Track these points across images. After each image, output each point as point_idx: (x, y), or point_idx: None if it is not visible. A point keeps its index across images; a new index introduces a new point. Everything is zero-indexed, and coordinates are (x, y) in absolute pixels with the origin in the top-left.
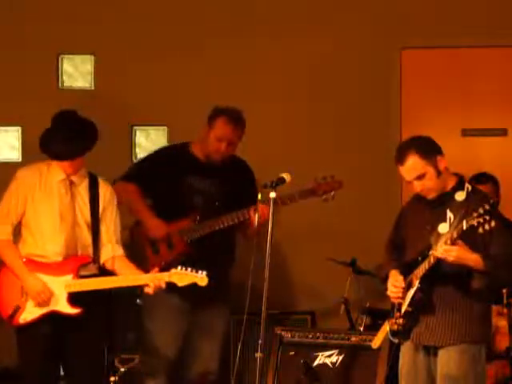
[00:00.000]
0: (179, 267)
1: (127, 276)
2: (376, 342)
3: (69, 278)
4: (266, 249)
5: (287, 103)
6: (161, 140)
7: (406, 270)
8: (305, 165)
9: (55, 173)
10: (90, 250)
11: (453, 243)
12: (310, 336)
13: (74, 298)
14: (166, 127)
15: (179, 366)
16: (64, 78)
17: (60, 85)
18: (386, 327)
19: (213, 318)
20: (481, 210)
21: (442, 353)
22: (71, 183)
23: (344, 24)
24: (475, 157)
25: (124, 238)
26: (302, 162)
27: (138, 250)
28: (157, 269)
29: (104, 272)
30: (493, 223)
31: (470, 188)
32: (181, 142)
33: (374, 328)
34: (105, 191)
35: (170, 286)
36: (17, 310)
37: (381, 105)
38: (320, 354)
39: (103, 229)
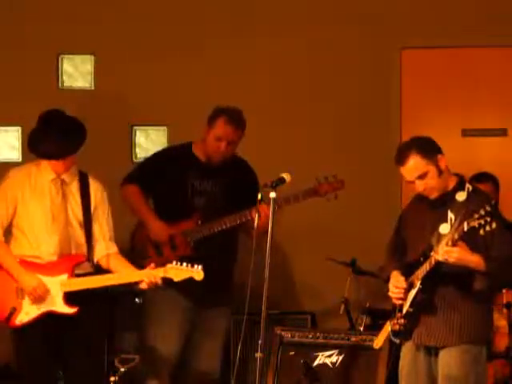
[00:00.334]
0: (174, 262)
1: (122, 273)
2: (378, 342)
3: (64, 277)
4: (266, 249)
5: (287, 103)
6: (161, 140)
7: (408, 271)
8: (305, 165)
9: (45, 172)
10: (84, 249)
11: (454, 244)
12: (310, 336)
13: (70, 298)
14: (165, 127)
15: (181, 366)
16: (64, 77)
17: (60, 85)
18: (387, 327)
19: (215, 317)
20: (482, 212)
21: (442, 353)
22: (62, 182)
23: (344, 24)
24: (475, 157)
25: (125, 239)
26: (302, 162)
27: (140, 252)
28: (153, 265)
29: (99, 270)
30: (494, 225)
31: (470, 188)
32: (181, 142)
33: (373, 328)
34: (96, 189)
35: (171, 286)
36: (13, 311)
37: (381, 105)
38: (320, 353)
39: (96, 227)
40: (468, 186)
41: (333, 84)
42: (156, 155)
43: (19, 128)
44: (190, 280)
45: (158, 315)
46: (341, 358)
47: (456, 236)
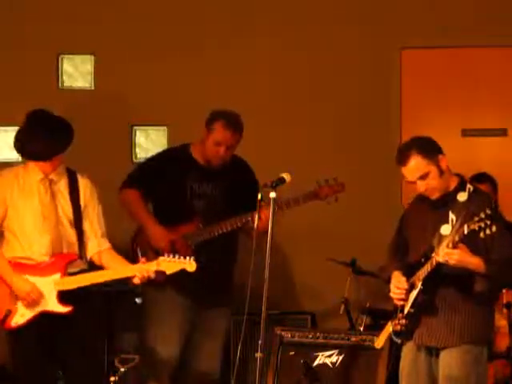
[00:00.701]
0: (166, 255)
1: (115, 269)
2: (379, 342)
3: (57, 276)
4: (266, 249)
5: (287, 103)
6: (161, 140)
7: (409, 271)
8: (305, 165)
9: (33, 173)
10: (76, 247)
11: (454, 247)
12: (310, 336)
13: (64, 297)
14: (165, 127)
15: (181, 366)
16: (64, 77)
17: (60, 85)
18: (389, 327)
19: (215, 318)
20: (482, 215)
21: (443, 354)
22: (50, 182)
23: (344, 24)
24: (475, 157)
25: (126, 242)
26: (302, 162)
27: (142, 255)
28: (144, 259)
29: (93, 267)
30: (494, 228)
31: (471, 188)
32: (181, 142)
33: (373, 328)
34: (84, 186)
35: (171, 286)
36: (8, 314)
37: (381, 105)
38: (320, 353)
39: (87, 224)
40: (469, 186)
41: (333, 84)
42: (154, 158)
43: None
44: (190, 280)
45: (158, 315)
46: (341, 358)
47: (457, 238)
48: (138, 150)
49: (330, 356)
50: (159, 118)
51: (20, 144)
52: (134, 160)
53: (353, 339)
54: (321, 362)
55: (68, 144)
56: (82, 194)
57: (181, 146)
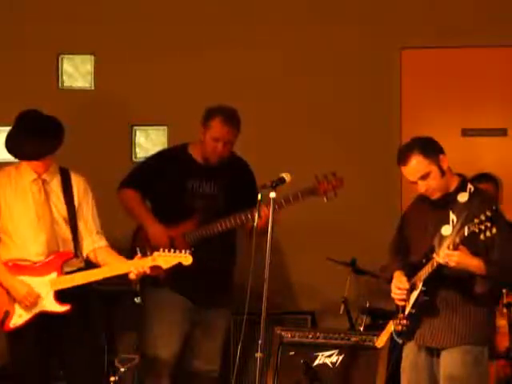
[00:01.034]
0: (161, 249)
1: (111, 266)
2: (380, 342)
3: (53, 276)
4: (266, 249)
5: (287, 103)
6: (161, 140)
7: (410, 271)
8: (305, 165)
9: (25, 173)
10: (71, 246)
11: (455, 248)
12: (310, 336)
13: (61, 296)
14: (166, 127)
15: (180, 366)
16: (64, 77)
17: (60, 85)
18: (390, 327)
19: (214, 317)
20: (482, 217)
21: (444, 354)
22: (43, 182)
23: (344, 24)
24: (475, 157)
25: (126, 240)
26: (302, 162)
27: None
28: (139, 255)
29: (91, 265)
30: (494, 230)
31: (472, 189)
32: (181, 142)
33: (373, 328)
34: (78, 184)
35: (171, 286)
36: (6, 315)
37: (381, 105)
38: (320, 354)
39: (82, 222)
40: (470, 186)
41: (333, 84)
42: (152, 158)
43: None
44: (190, 280)
45: (158, 315)
46: (341, 358)
47: (457, 240)
48: (137, 149)
49: (330, 356)
50: (159, 118)
51: (11, 145)
52: (134, 160)
53: (353, 339)
54: (321, 362)
55: (59, 143)
56: (76, 192)
57: (179, 146)
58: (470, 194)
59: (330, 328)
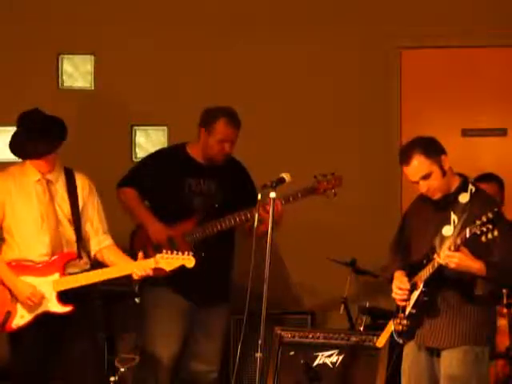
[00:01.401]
0: (164, 251)
1: (114, 267)
2: (381, 341)
3: (56, 276)
4: (266, 248)
5: (287, 103)
6: (161, 140)
7: (411, 271)
8: (305, 164)
9: (30, 174)
10: (75, 247)
11: (456, 249)
12: (310, 336)
13: (63, 296)
14: (165, 127)
15: (180, 366)
16: (64, 77)
17: (60, 85)
18: (390, 327)
19: (214, 317)
20: (484, 219)
21: (445, 354)
22: (48, 182)
23: (344, 24)
24: (475, 157)
25: (125, 240)
26: (302, 162)
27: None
28: (141, 254)
29: (98, 265)
30: (495, 232)
31: (473, 189)
32: (181, 142)
33: (373, 328)
34: (82, 184)
35: (170, 286)
36: (8, 316)
37: (380, 105)
38: (320, 353)
39: (88, 223)
40: (471, 187)
41: (333, 84)
42: (150, 157)
43: None
44: (189, 279)
45: (158, 315)
46: (341, 358)
47: (458, 241)
48: (137, 149)
49: (329, 356)
50: (159, 118)
51: (14, 144)
52: (134, 160)
53: (353, 339)
54: (321, 362)
55: (61, 141)
56: (80, 192)
57: (177, 145)
58: (471, 195)
59: (330, 328)
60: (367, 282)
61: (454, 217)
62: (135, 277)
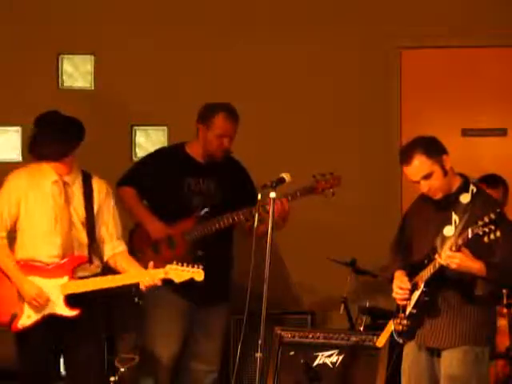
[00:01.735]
0: (175, 263)
1: (124, 275)
2: (381, 341)
3: (65, 279)
4: (266, 248)
5: (287, 103)
6: (161, 140)
7: (412, 271)
8: (305, 164)
9: (47, 174)
10: (86, 251)
11: (457, 250)
12: (310, 336)
13: (71, 300)
14: (165, 127)
15: (180, 366)
16: (64, 77)
17: (60, 85)
18: (390, 326)
19: (213, 317)
20: (486, 219)
21: (445, 354)
22: (64, 184)
23: (344, 24)
24: (475, 157)
25: (124, 238)
26: (302, 162)
27: (139, 251)
28: (152, 263)
29: (108, 270)
30: (498, 233)
31: (474, 190)
32: (181, 142)
33: (373, 328)
34: (99, 188)
35: (170, 286)
36: (14, 317)
37: (380, 105)
38: (320, 353)
39: (102, 227)
40: (472, 187)
41: (333, 84)
42: (150, 156)
43: (19, 128)
44: (189, 280)
45: (157, 315)
46: (341, 358)
47: (460, 242)
48: (137, 149)
49: (329, 356)
50: (159, 118)
51: (33, 146)
52: (134, 160)
53: (353, 339)
54: (321, 362)
55: (78, 143)
56: (97, 196)
57: (176, 145)
58: (473, 195)
59: (330, 328)
60: (367, 282)
61: (455, 217)
62: (142, 286)
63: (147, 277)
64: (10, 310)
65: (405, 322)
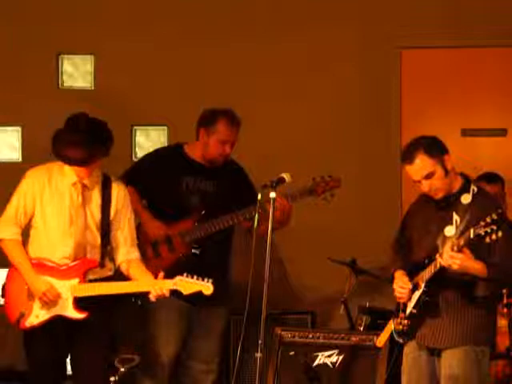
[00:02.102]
0: (185, 275)
1: (133, 283)
2: (381, 341)
3: (75, 282)
4: (266, 248)
5: (287, 103)
6: (161, 140)
7: (412, 271)
8: (305, 165)
9: (67, 175)
10: (99, 254)
11: (459, 250)
12: (310, 336)
13: (80, 302)
14: (166, 127)
15: (179, 366)
16: (64, 77)
17: (60, 85)
18: (390, 326)
19: (212, 317)
20: (488, 220)
21: (445, 354)
22: (83, 186)
23: (344, 24)
24: (475, 157)
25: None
26: (302, 162)
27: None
28: (162, 274)
29: (119, 274)
30: (499, 233)
31: (475, 190)
32: (181, 142)
33: (373, 328)
34: (118, 193)
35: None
36: (22, 315)
37: (381, 105)
38: (320, 353)
39: (118, 231)
40: (473, 187)
41: (333, 84)
42: (149, 156)
43: (19, 128)
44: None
45: (157, 316)
46: (341, 358)
47: (462, 242)
48: (137, 149)
49: (329, 356)
50: (159, 118)
51: (59, 147)
52: (134, 159)
53: (353, 339)
54: (321, 362)
55: (107, 151)
56: (114, 200)
57: (175, 144)
58: (474, 196)
59: (330, 328)
60: (367, 282)
61: (456, 217)
62: (152, 296)
63: (157, 287)
64: (19, 308)
65: (405, 321)
